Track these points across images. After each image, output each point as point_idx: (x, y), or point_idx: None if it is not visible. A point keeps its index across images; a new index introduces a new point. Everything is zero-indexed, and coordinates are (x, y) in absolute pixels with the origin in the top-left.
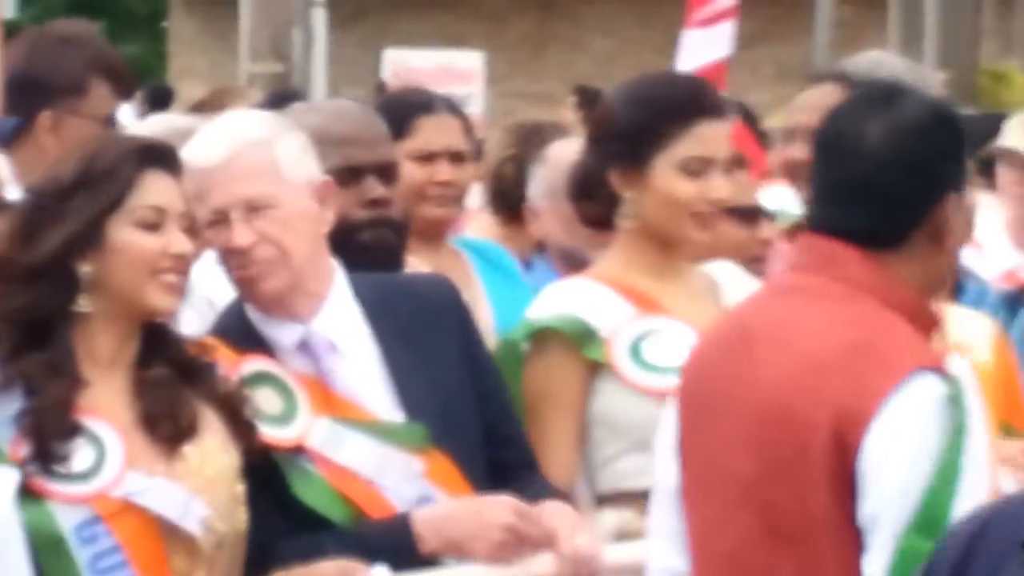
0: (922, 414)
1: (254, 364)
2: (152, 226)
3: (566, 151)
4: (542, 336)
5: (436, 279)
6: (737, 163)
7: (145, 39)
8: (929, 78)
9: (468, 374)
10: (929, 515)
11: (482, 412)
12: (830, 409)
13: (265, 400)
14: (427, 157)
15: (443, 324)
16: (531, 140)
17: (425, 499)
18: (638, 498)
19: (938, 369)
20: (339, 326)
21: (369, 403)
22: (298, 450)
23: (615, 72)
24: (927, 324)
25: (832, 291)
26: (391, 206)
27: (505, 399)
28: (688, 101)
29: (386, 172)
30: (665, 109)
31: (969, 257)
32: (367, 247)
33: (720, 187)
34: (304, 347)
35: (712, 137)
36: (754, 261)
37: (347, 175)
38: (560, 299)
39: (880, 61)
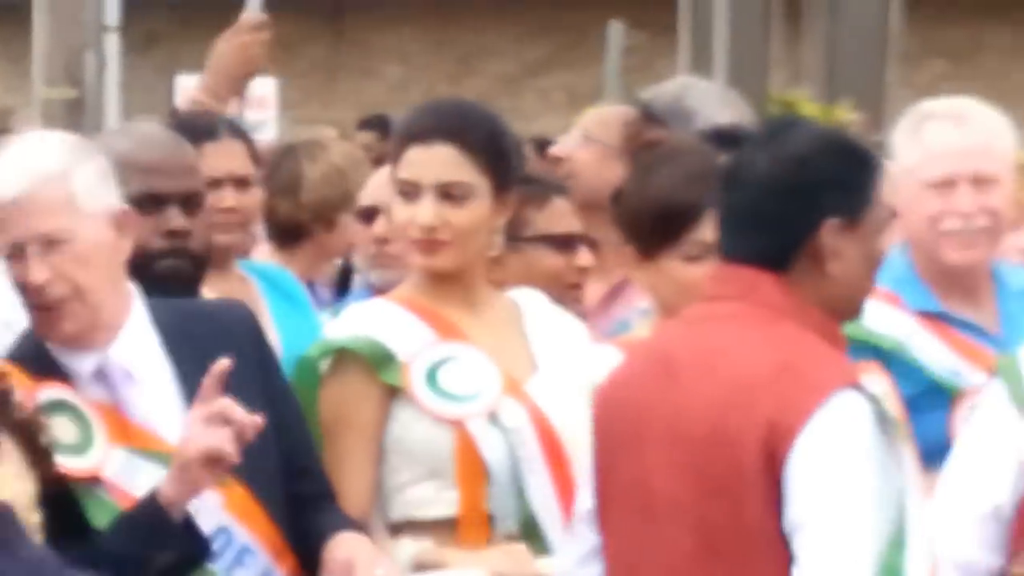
0: (845, 428)
1: (50, 392)
2: None
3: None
4: (340, 357)
5: (234, 305)
6: (557, 191)
7: None
8: (736, 100)
9: (266, 403)
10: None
11: (280, 442)
12: (761, 427)
13: (61, 429)
14: (212, 183)
15: (241, 351)
16: (285, 160)
17: (223, 530)
18: (431, 527)
19: (858, 386)
20: (136, 354)
21: (166, 431)
22: (94, 480)
23: (407, 99)
24: (837, 343)
25: (753, 316)
26: (191, 237)
27: (303, 429)
28: (405, 126)
29: (189, 202)
30: (397, 133)
31: None
32: (163, 277)
33: (422, 214)
34: (100, 375)
35: (419, 162)
36: (570, 288)
37: (149, 203)
38: (360, 320)
39: (689, 86)
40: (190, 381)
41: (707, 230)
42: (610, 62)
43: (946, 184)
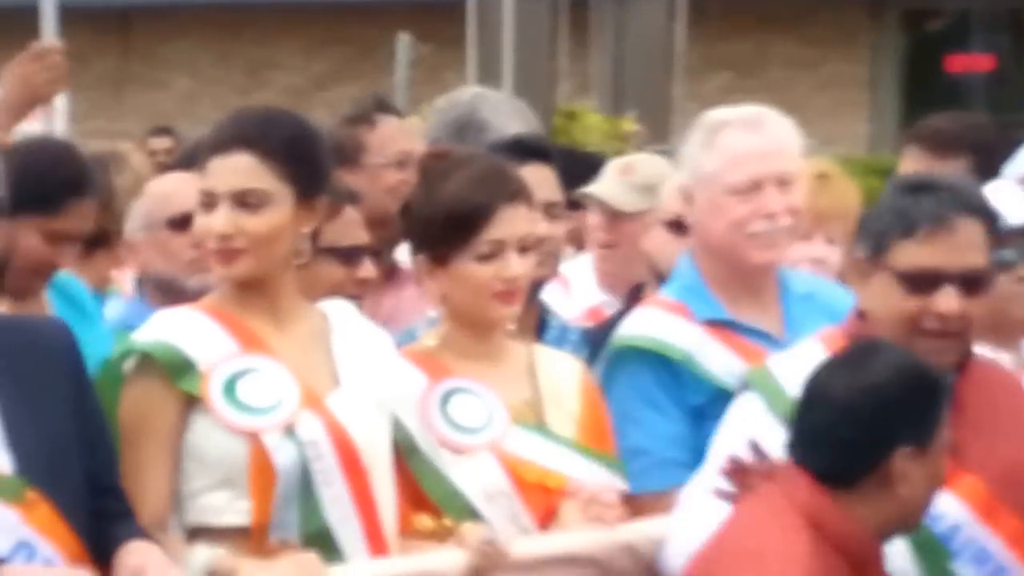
0: None
1: None
2: None
3: (167, 184)
4: (142, 362)
5: (53, 321)
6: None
7: None
8: (525, 111)
9: (77, 420)
10: None
11: (87, 459)
12: None
13: None
14: None
15: (56, 367)
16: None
17: (23, 546)
18: (225, 534)
19: None
20: None
21: None
22: None
23: (196, 111)
24: (859, 560)
25: (771, 503)
26: None
27: (110, 448)
28: (204, 140)
29: None
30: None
31: (553, 295)
32: None
33: (215, 222)
34: None
35: (216, 171)
36: (352, 300)
37: None
38: (164, 327)
39: (481, 97)
40: (3, 394)
41: (497, 228)
42: (399, 74)
43: (752, 188)
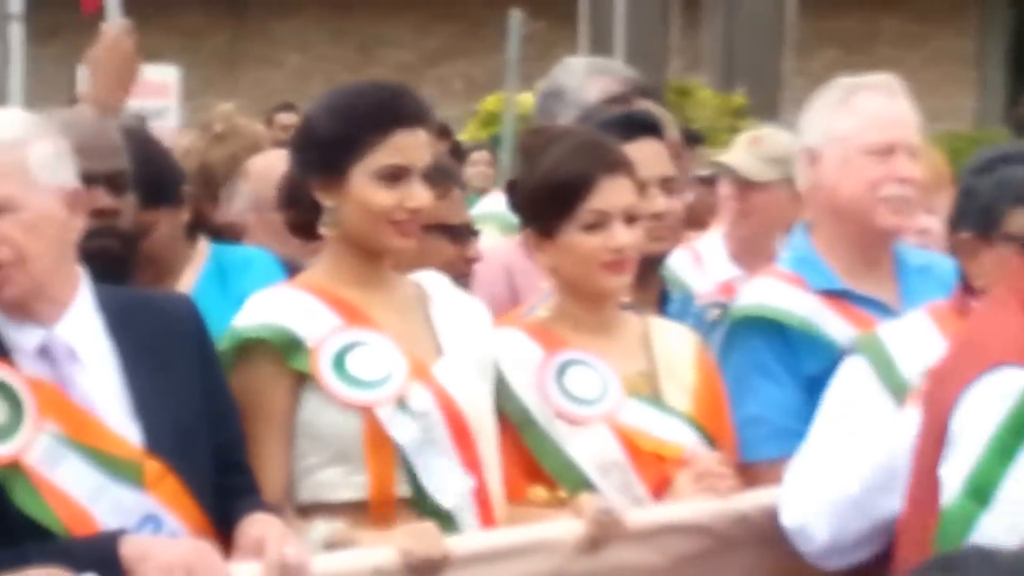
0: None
1: None
2: None
3: (268, 163)
4: (248, 346)
5: (179, 297)
6: (457, 180)
7: None
8: (609, 68)
9: (204, 396)
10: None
11: (214, 435)
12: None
13: None
14: None
15: (184, 343)
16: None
17: (150, 518)
18: (340, 509)
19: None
20: (81, 334)
21: (105, 414)
22: (14, 465)
23: (308, 88)
24: None
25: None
26: (119, 216)
27: (237, 425)
28: (384, 111)
29: (115, 182)
30: (360, 118)
31: (685, 269)
32: (91, 256)
33: (417, 195)
34: (44, 352)
35: (409, 146)
36: (460, 277)
37: None
38: (266, 308)
39: (559, 65)
40: (132, 368)
41: (600, 198)
42: (510, 51)
43: (887, 150)
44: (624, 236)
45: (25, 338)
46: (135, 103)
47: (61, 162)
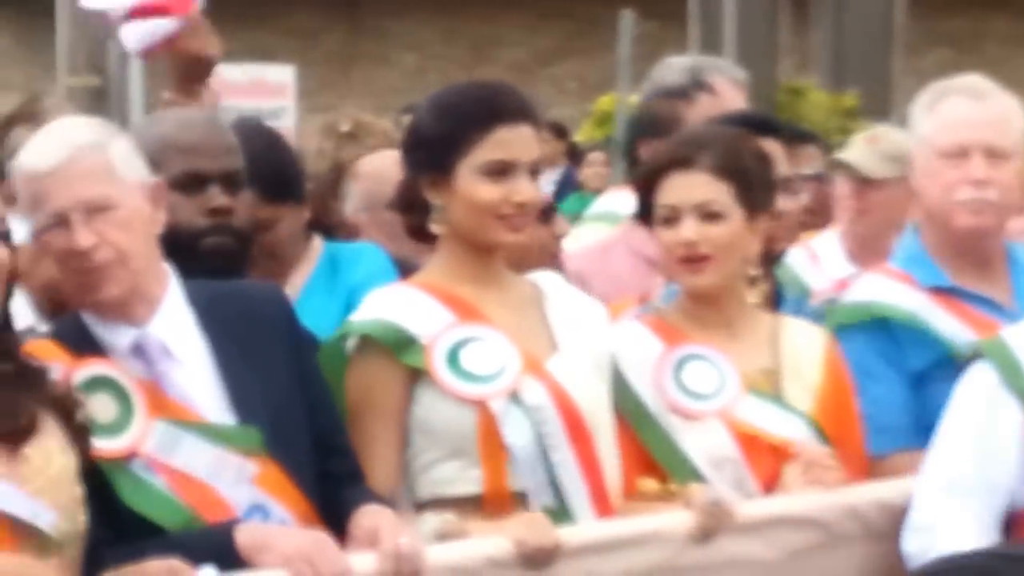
0: None
1: (91, 368)
2: None
3: (379, 162)
4: (363, 342)
5: (268, 287)
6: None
7: None
8: (713, 66)
9: (298, 383)
10: None
11: (311, 422)
12: None
13: (100, 406)
14: None
15: (274, 332)
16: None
17: (258, 507)
18: (456, 503)
19: None
20: (173, 330)
21: (202, 407)
22: (132, 456)
23: (422, 87)
24: None
25: None
26: (234, 214)
27: (333, 409)
28: (485, 107)
29: (230, 181)
30: (463, 116)
31: (802, 267)
32: (208, 254)
33: (524, 190)
34: (138, 351)
35: (512, 141)
36: (554, 257)
37: (191, 183)
38: (380, 305)
39: (661, 64)
40: (225, 361)
41: (669, 193)
42: (621, 51)
43: (959, 153)
44: (692, 231)
45: (118, 338)
46: (252, 104)
47: (136, 158)
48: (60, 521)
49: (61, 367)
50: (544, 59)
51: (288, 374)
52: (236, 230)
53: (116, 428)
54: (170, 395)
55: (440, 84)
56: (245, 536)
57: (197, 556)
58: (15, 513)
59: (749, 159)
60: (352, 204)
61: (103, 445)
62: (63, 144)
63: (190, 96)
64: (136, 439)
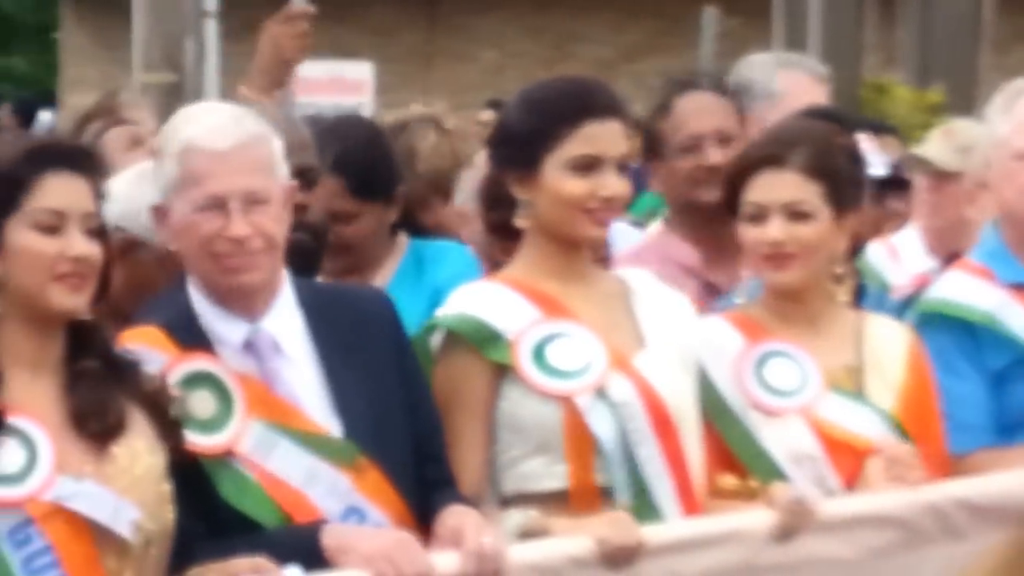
0: None
1: (195, 363)
2: (50, 229)
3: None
4: (449, 338)
5: (374, 291)
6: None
7: (35, 50)
8: (797, 62)
9: (403, 389)
10: None
11: (413, 427)
12: None
13: (200, 402)
14: None
15: (380, 337)
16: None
17: (354, 511)
18: (542, 499)
19: None
20: (284, 328)
21: (307, 408)
22: (228, 455)
23: (503, 85)
24: None
25: None
26: (308, 211)
27: (433, 414)
28: (574, 102)
29: (305, 177)
30: (551, 110)
31: (881, 262)
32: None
33: (611, 185)
34: (249, 346)
35: (600, 136)
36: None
37: None
38: (466, 301)
39: (744, 60)
40: (332, 363)
41: (756, 191)
42: (705, 47)
43: None
44: (779, 230)
45: (232, 331)
46: (331, 100)
47: (282, 157)
48: (144, 520)
49: (165, 357)
50: (627, 56)
51: (393, 379)
52: (310, 226)
53: (214, 425)
54: (278, 393)
55: (520, 81)
56: (330, 537)
57: (284, 555)
58: (95, 516)
59: (840, 158)
60: (463, 194)
61: (200, 441)
62: (237, 129)
63: (267, 93)
64: (233, 438)
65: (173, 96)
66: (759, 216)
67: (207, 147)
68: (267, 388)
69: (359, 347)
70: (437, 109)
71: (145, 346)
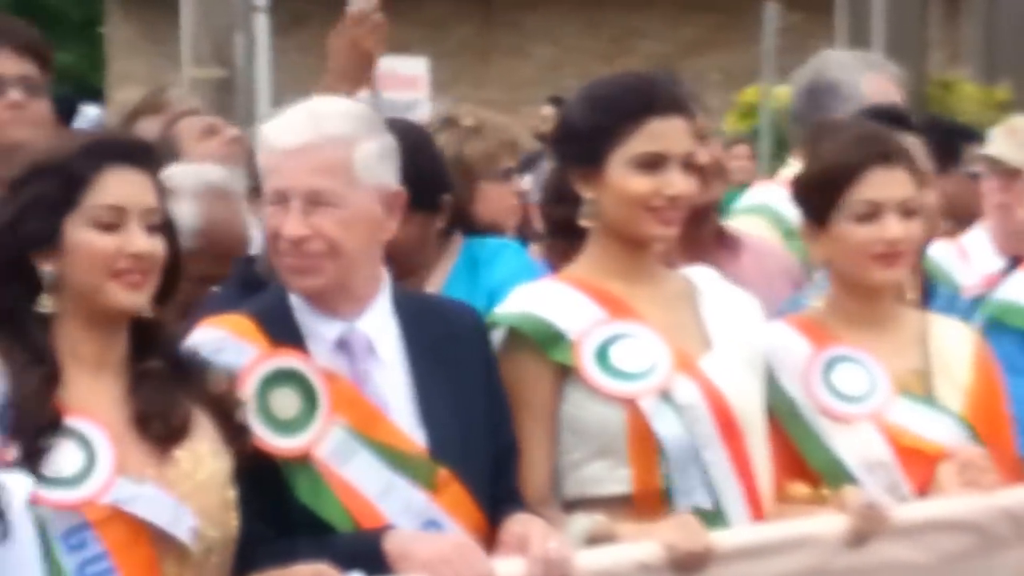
0: None
1: (283, 360)
2: (109, 226)
3: None
4: (512, 337)
5: (465, 306)
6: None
7: (81, 45)
8: (880, 64)
9: (488, 405)
10: None
11: (494, 443)
12: None
13: (283, 400)
14: None
15: (471, 352)
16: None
17: (431, 523)
18: (605, 503)
19: None
20: (380, 331)
21: (394, 413)
22: (304, 459)
23: (559, 80)
24: None
25: None
26: None
27: (512, 432)
28: (638, 98)
29: None
30: (616, 108)
31: (951, 262)
32: None
33: (676, 183)
34: (343, 345)
35: (665, 133)
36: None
37: None
38: (528, 300)
39: (824, 58)
40: (420, 373)
41: (871, 189)
42: (766, 42)
43: None
44: (896, 229)
45: (326, 328)
46: (386, 96)
47: (384, 162)
48: (205, 527)
49: (252, 348)
50: (687, 51)
51: (479, 394)
52: None
53: (295, 426)
54: (366, 395)
55: (577, 77)
56: (393, 543)
57: (347, 561)
58: (155, 521)
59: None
60: (536, 189)
61: (278, 443)
62: (311, 129)
63: (355, 86)
64: (311, 441)
65: (223, 91)
66: (871, 214)
67: (276, 144)
68: (356, 389)
69: (450, 359)
70: (454, 107)
71: (232, 335)
